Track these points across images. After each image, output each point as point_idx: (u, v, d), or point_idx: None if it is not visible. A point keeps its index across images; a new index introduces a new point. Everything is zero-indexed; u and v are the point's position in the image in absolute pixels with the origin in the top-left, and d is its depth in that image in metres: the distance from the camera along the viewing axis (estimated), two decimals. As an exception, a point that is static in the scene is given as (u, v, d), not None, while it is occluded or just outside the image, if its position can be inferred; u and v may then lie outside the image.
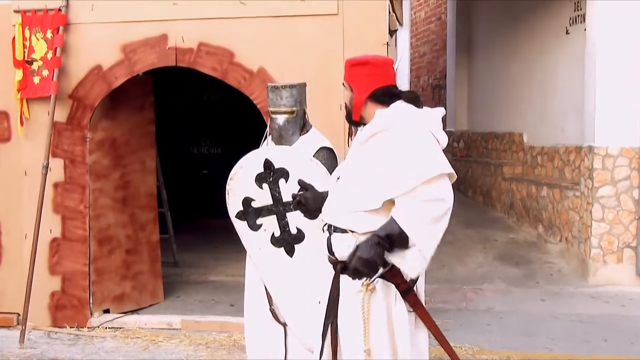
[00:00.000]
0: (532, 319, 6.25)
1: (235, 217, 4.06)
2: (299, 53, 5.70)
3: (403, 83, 9.20)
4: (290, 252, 4.01)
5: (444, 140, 3.19)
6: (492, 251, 8.62)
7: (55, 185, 6.11)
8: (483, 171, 11.43)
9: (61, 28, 5.98)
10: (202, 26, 5.86)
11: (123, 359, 5.49)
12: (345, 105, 3.41)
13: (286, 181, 3.97)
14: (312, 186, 3.55)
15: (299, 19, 5.73)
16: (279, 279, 4.06)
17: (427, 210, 2.96)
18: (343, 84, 3.38)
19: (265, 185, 3.99)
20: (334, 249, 3.23)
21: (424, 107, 3.30)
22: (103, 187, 6.27)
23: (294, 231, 3.99)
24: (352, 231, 3.14)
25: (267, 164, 3.99)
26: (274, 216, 4.01)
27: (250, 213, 4.02)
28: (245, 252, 4.20)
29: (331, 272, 3.32)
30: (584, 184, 7.57)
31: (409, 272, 3.04)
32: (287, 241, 4.01)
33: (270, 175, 3.99)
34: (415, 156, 3.01)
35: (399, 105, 3.24)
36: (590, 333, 5.87)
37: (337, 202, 3.24)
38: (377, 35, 5.61)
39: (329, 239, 3.25)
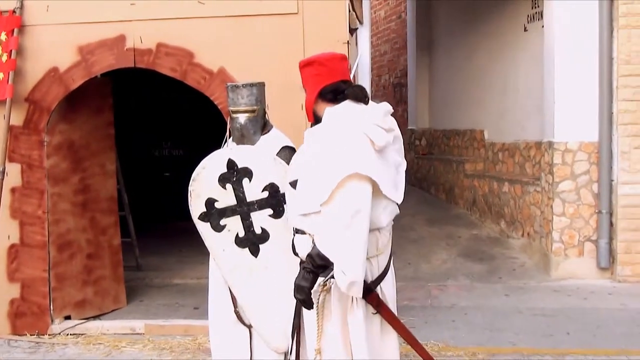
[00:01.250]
0: (496, 314, 6.30)
1: (198, 218, 4.01)
2: (259, 53, 5.67)
3: (364, 82, 9.22)
4: (255, 252, 3.98)
5: (380, 139, 3.07)
6: (455, 248, 8.68)
7: (13, 191, 5.99)
8: (445, 168, 11.51)
9: (16, 30, 5.86)
10: (161, 27, 5.79)
11: (86, 365, 5.42)
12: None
13: (250, 181, 3.94)
14: None
15: (259, 18, 5.70)
16: (244, 280, 4.02)
17: (334, 221, 2.98)
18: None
19: (228, 186, 3.96)
20: (297, 250, 3.24)
21: (373, 103, 3.28)
22: (62, 191, 6.17)
23: (258, 231, 3.96)
24: (308, 233, 3.15)
25: (230, 164, 3.95)
26: (238, 216, 3.97)
27: (213, 214, 3.98)
28: (209, 254, 4.16)
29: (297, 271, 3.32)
30: (545, 179, 7.65)
31: (341, 287, 3.03)
32: (252, 241, 3.98)
33: (234, 175, 3.95)
34: (331, 159, 3.02)
35: (346, 104, 3.22)
36: (553, 326, 5.93)
37: (292, 205, 3.25)
38: (338, 34, 5.59)
39: (293, 240, 3.26)
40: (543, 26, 7.87)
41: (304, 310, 3.21)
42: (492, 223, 9.41)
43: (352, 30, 6.86)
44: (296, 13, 5.64)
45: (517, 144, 9.12)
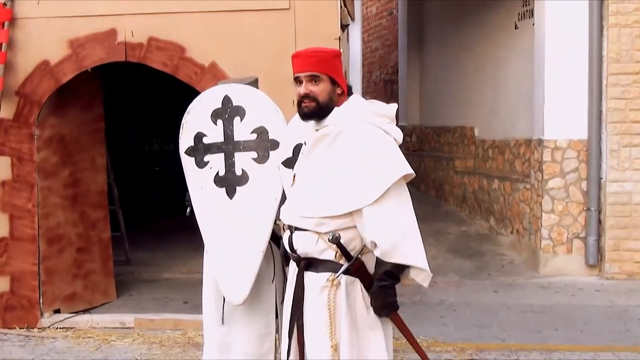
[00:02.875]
0: (484, 310, 6.33)
1: (185, 152, 3.99)
2: (251, 48, 5.66)
3: (355, 78, 9.23)
4: (230, 193, 3.92)
5: (399, 136, 3.18)
6: (445, 244, 8.70)
7: (3, 184, 5.98)
8: (435, 165, 11.53)
9: (6, 23, 5.83)
10: (152, 21, 5.78)
11: (75, 359, 5.40)
12: (316, 100, 3.16)
13: (241, 120, 3.90)
14: None
15: (251, 13, 5.69)
16: (215, 221, 3.96)
17: (396, 228, 3.00)
18: (318, 76, 3.13)
19: (219, 122, 3.92)
20: (295, 247, 3.20)
21: (375, 101, 3.27)
22: (52, 185, 6.15)
23: (238, 172, 3.90)
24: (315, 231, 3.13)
25: (226, 100, 3.92)
26: (222, 154, 3.92)
27: (199, 149, 3.95)
28: (201, 248, 4.15)
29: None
30: (534, 177, 7.69)
31: (424, 284, 3.12)
32: (230, 182, 3.92)
33: (227, 111, 3.92)
34: (374, 163, 3.01)
35: (354, 102, 3.22)
36: (541, 323, 5.97)
37: (297, 205, 3.20)
38: (329, 30, 5.59)
39: (290, 237, 3.23)
40: (534, 24, 7.90)
41: (307, 308, 3.18)
42: (482, 220, 9.44)
43: (344, 27, 6.86)
44: (288, 9, 5.63)
45: (507, 141, 9.16)
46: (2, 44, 5.81)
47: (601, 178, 7.22)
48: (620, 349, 5.33)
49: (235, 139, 3.91)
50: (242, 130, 3.89)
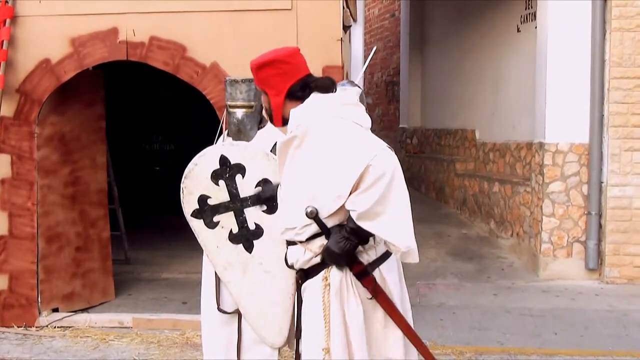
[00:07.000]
0: (484, 313, 6.32)
1: (191, 215, 3.98)
2: (253, 48, 5.57)
3: (357, 80, 9.20)
4: (249, 248, 3.96)
5: (367, 121, 3.08)
6: (445, 247, 8.69)
7: (2, 182, 5.98)
8: (436, 167, 11.53)
9: (8, 21, 5.83)
10: (154, 20, 5.78)
11: (72, 358, 5.39)
12: (266, 109, 3.28)
13: (243, 177, 3.92)
14: None
15: (253, 13, 5.69)
16: (239, 276, 3.99)
17: (373, 199, 2.88)
18: (256, 89, 3.25)
19: (221, 182, 3.94)
20: (289, 262, 3.22)
21: (337, 93, 3.17)
22: (52, 183, 6.15)
23: (252, 227, 3.94)
24: (300, 242, 3.12)
25: (223, 160, 3.93)
26: (232, 213, 3.96)
27: (206, 211, 3.96)
28: (200, 249, 4.15)
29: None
30: (535, 180, 7.67)
31: (401, 245, 3.13)
32: (246, 237, 3.96)
33: (227, 171, 3.93)
34: (340, 159, 2.92)
35: (312, 101, 3.11)
36: (540, 327, 5.95)
37: (282, 216, 3.21)
38: (331, 31, 5.59)
39: (286, 254, 3.25)
40: (536, 27, 7.89)
41: (303, 311, 3.18)
42: (482, 223, 9.43)
43: (346, 28, 6.85)
44: (290, 9, 5.64)
45: (508, 144, 9.14)
46: (3, 41, 5.81)
47: (602, 182, 7.21)
48: (620, 354, 5.32)
49: (241, 196, 3.93)
50: (246, 187, 3.92)
